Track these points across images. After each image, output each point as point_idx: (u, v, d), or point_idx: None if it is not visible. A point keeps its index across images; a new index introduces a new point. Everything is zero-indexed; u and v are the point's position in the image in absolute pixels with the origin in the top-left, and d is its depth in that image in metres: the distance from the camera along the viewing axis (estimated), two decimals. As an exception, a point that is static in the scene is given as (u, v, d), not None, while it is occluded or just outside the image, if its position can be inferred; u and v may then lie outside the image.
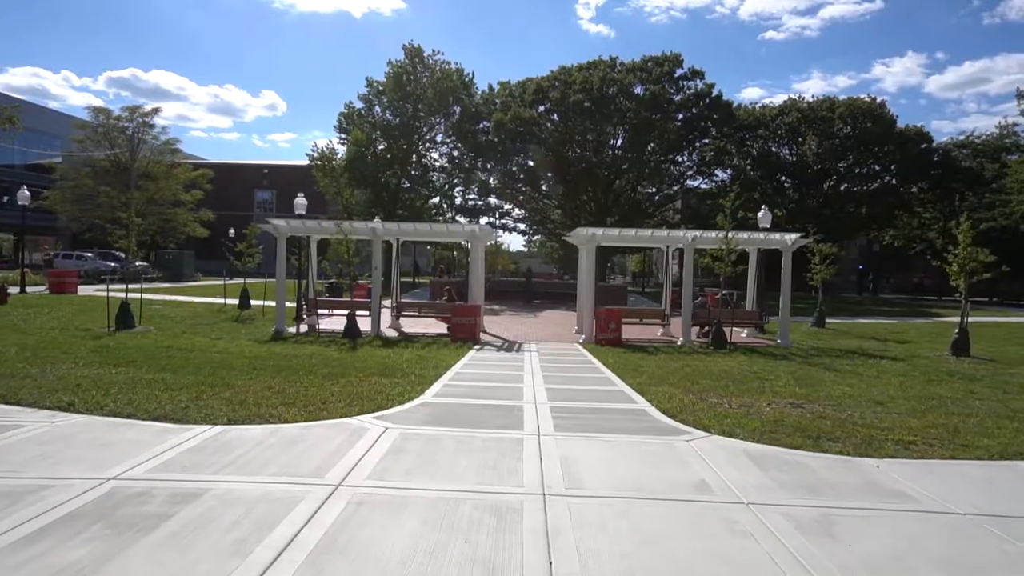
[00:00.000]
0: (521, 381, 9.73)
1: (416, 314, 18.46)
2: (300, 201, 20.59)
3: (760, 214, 19.96)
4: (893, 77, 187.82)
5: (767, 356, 14.08)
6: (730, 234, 15.45)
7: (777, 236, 16.72)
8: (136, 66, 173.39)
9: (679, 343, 16.44)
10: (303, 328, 17.62)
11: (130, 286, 18.97)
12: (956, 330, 15.21)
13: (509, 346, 15.19)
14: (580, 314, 19.21)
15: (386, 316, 18.54)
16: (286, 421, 6.67)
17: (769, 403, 8.42)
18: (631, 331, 17.31)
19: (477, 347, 14.69)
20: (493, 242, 74.52)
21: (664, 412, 7.60)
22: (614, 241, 17.37)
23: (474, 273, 17.05)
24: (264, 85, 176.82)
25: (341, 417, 6.89)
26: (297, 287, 21.38)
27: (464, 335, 15.83)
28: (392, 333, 17.57)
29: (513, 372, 10.60)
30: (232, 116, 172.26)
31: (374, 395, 8.12)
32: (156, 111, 47.73)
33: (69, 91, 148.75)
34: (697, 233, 16.62)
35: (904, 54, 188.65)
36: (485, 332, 18.32)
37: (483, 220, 48.19)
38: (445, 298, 19.15)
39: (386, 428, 6.37)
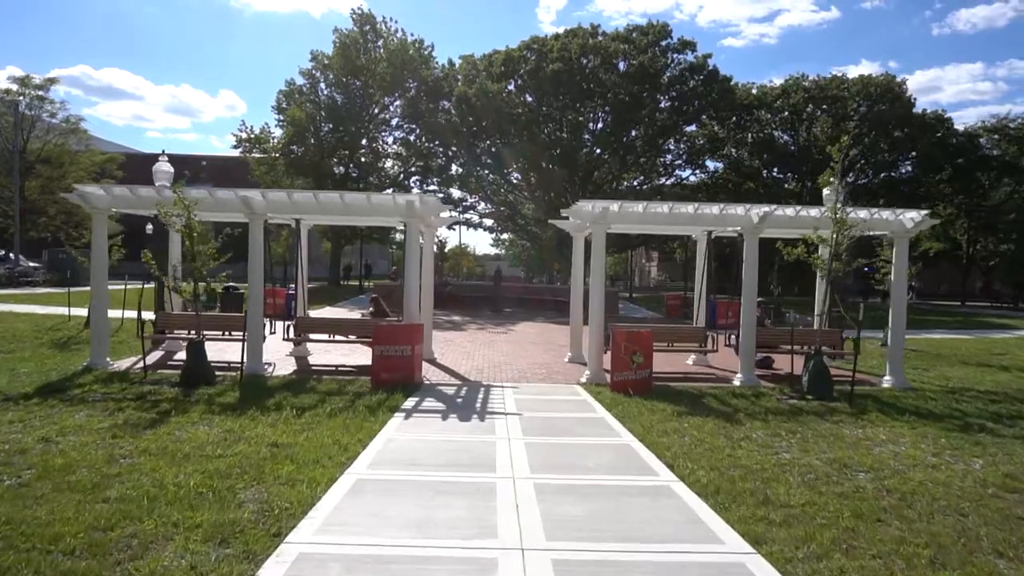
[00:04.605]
0: None
1: (327, 337, 11.95)
2: (161, 167, 13.86)
3: (827, 191, 13.91)
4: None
5: (919, 418, 8.02)
6: (839, 210, 9.36)
7: (887, 214, 10.69)
8: (87, 63, 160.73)
9: (737, 382, 10.35)
10: (151, 358, 10.99)
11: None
12: None
13: (468, 398, 8.84)
14: (575, 334, 12.97)
15: (293, 338, 11.98)
16: None
17: None
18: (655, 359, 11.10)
19: (411, 402, 8.30)
20: (450, 231, 67.68)
21: None
22: (634, 222, 11.09)
23: (412, 272, 10.61)
24: (222, 85, 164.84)
25: None
26: (157, 295, 14.70)
27: (394, 376, 9.42)
28: (286, 367, 11.07)
29: (472, 532, 4.16)
30: (190, 116, 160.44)
31: None
32: (52, 82, 39.94)
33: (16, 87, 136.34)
34: (767, 209, 10.51)
35: (859, 63, 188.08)
36: (434, 363, 11.94)
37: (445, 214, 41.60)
38: (371, 310, 12.74)
39: None
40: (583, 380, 10.39)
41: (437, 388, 9.55)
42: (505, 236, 54.68)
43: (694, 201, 38.95)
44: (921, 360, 14.03)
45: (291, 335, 11.54)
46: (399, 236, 49.83)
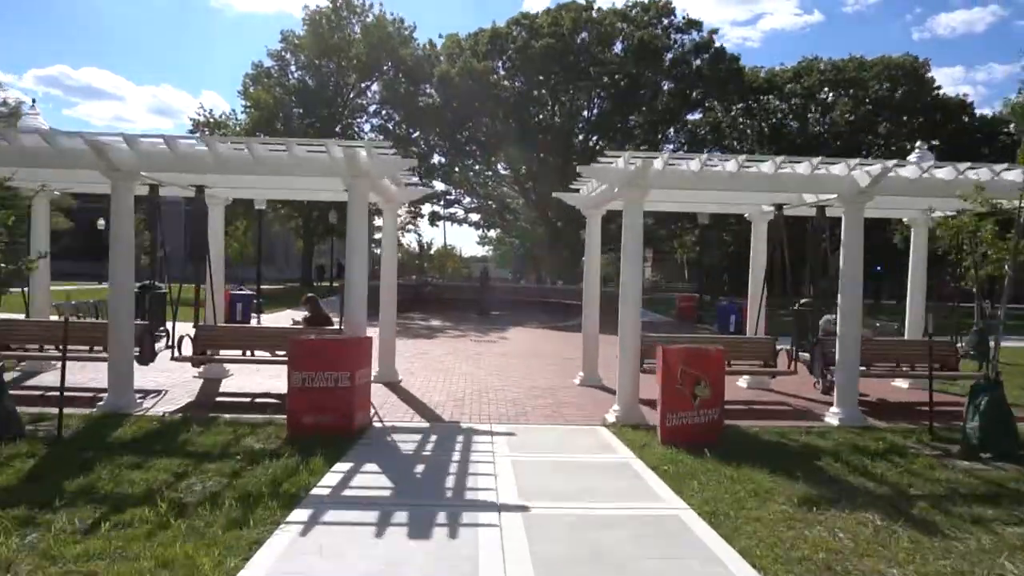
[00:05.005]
0: None
1: (240, 354, 8.40)
2: (32, 123, 10.21)
3: (914, 155, 10.59)
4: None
5: None
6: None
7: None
8: (65, 63, 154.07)
9: (833, 420, 7.03)
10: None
11: None
12: None
13: (435, 463, 5.45)
14: (589, 347, 9.54)
15: (190, 356, 8.37)
16: None
17: None
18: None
19: (335, 476, 4.84)
20: (434, 227, 64.20)
21: None
22: (686, 186, 7.53)
23: (357, 260, 7.04)
24: (204, 85, 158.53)
25: None
26: None
27: (321, 419, 5.92)
28: (182, 397, 7.54)
29: None
30: (172, 117, 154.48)
31: None
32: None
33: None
34: (882, 165, 7.12)
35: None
36: (395, 388, 8.46)
37: (426, 208, 37.97)
38: (305, 315, 9.32)
39: None
40: (611, 420, 6.95)
41: (388, 440, 6.06)
42: (492, 233, 51.18)
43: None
44: (1022, 377, 10.71)
45: (178, 353, 7.98)
46: (378, 235, 45.88)
